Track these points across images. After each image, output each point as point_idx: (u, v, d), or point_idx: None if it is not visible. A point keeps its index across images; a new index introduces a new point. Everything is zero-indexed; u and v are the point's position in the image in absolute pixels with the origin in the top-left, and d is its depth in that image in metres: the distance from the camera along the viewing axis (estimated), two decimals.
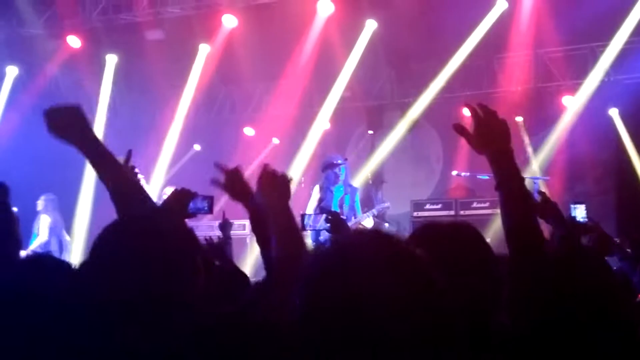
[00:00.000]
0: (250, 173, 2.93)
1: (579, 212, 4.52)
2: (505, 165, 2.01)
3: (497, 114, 2.05)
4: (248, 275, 3.84)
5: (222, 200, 3.38)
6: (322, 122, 12.13)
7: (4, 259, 2.70)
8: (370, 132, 12.45)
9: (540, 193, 4.18)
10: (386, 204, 9.06)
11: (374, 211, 8.65)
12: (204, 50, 11.93)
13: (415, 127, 12.00)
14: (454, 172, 10.30)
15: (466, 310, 1.71)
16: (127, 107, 12.77)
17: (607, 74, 10.83)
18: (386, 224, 9.84)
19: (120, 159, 2.78)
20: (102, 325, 1.76)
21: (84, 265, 1.99)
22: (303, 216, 5.82)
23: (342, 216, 5.65)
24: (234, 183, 2.71)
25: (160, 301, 1.80)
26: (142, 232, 1.90)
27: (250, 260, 9.28)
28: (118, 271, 1.82)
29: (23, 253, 3.83)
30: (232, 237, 5.18)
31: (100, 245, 1.88)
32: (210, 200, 3.46)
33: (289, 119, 11.97)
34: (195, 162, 12.39)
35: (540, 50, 11.08)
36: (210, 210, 3.47)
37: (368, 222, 8.35)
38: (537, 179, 8.80)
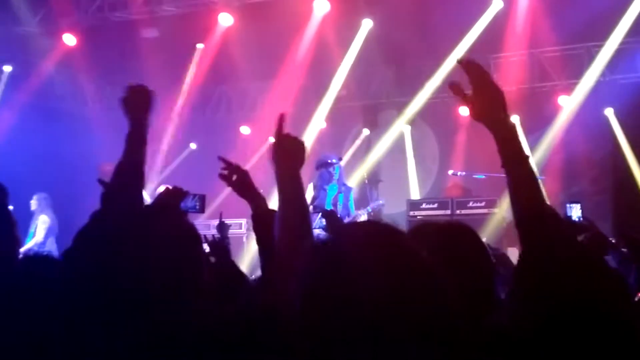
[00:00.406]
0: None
1: (575, 212, 4.54)
2: (509, 136, 1.81)
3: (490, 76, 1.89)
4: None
5: (218, 201, 3.38)
6: (318, 121, 12.13)
7: (3, 260, 2.69)
8: (366, 130, 12.47)
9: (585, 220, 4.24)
10: (380, 201, 9.10)
11: (369, 208, 8.67)
12: (199, 49, 11.92)
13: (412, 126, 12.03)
14: (450, 172, 10.31)
15: (461, 308, 1.71)
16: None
17: (603, 73, 10.85)
18: None
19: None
20: (103, 325, 1.75)
21: (71, 254, 1.98)
22: None
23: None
24: (240, 180, 2.70)
25: (165, 297, 1.80)
26: (147, 227, 1.89)
27: (246, 259, 9.28)
28: (120, 267, 1.81)
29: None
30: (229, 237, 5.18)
31: (101, 238, 1.88)
32: (202, 200, 3.44)
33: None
34: (190, 161, 12.37)
35: (536, 50, 11.10)
36: (201, 210, 3.44)
37: (363, 219, 8.37)
38: None
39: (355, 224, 1.75)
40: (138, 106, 2.80)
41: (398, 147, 12.34)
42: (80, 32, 11.28)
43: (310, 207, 8.15)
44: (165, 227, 1.93)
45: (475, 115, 1.88)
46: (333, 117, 12.20)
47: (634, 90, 10.48)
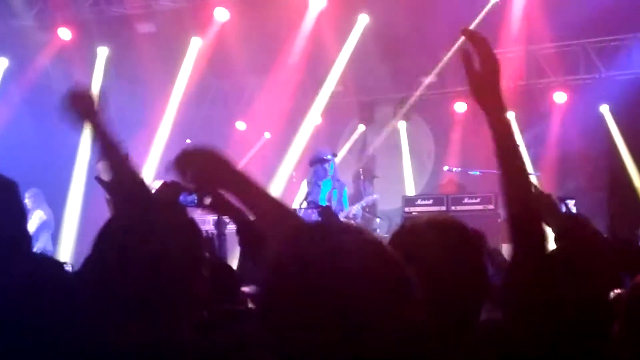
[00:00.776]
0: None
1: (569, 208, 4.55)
2: (503, 123, 1.81)
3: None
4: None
5: None
6: (314, 117, 12.12)
7: (16, 256, 2.67)
8: (362, 126, 12.47)
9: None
10: (374, 196, 9.13)
11: (363, 203, 8.70)
12: (195, 44, 11.88)
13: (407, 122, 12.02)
14: (446, 168, 10.33)
15: (450, 304, 1.71)
16: (117, 100, 12.71)
17: (599, 70, 10.86)
18: (377, 219, 9.86)
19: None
20: (105, 324, 1.75)
21: (88, 261, 1.97)
22: None
23: None
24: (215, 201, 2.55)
25: (167, 298, 1.79)
26: (148, 227, 1.89)
27: None
28: (124, 268, 1.81)
29: None
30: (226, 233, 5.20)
31: (104, 242, 1.87)
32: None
33: (281, 113, 11.95)
34: None
35: (531, 47, 11.10)
36: (199, 204, 3.43)
37: (356, 211, 8.41)
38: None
39: (318, 225, 1.65)
40: (85, 111, 2.66)
41: (393, 143, 12.34)
42: (76, 26, 11.24)
43: (304, 203, 8.16)
44: (172, 222, 1.92)
45: (475, 88, 1.86)
46: (329, 112, 12.20)
47: (630, 86, 10.50)
